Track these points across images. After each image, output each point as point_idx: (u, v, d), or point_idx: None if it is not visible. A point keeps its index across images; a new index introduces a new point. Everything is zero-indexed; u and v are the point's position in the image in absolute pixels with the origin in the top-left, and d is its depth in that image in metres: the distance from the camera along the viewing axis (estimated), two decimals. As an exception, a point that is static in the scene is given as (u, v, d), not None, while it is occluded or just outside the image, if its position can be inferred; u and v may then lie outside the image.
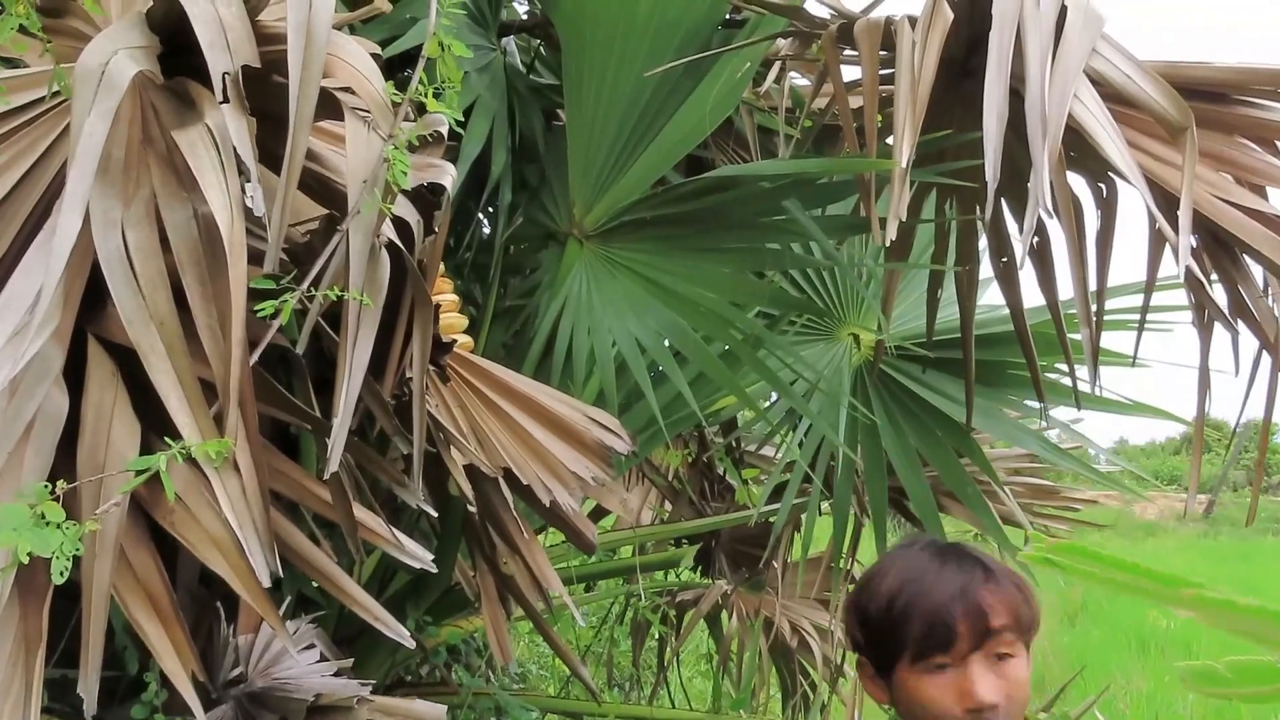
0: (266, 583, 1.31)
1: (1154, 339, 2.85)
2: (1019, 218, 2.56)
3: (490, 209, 2.91)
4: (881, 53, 2.15)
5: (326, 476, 1.50)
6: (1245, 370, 2.23)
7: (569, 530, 2.08)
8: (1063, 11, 1.89)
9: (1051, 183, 1.78)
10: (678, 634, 3.83)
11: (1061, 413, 3.16)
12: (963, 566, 1.46)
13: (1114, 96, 1.91)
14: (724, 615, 3.88)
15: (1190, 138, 1.82)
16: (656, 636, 4.03)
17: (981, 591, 1.43)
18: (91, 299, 1.50)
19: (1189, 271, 1.77)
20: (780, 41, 2.60)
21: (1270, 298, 2.02)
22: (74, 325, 1.45)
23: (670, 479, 3.56)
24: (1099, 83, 1.89)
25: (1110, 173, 2.39)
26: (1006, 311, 3.12)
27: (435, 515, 1.78)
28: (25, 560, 1.09)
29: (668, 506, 3.80)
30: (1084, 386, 2.77)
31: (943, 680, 1.42)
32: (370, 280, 1.50)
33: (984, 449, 3.20)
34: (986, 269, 2.71)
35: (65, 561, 1.12)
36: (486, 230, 3.09)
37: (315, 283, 1.42)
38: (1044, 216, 2.52)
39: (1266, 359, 2.17)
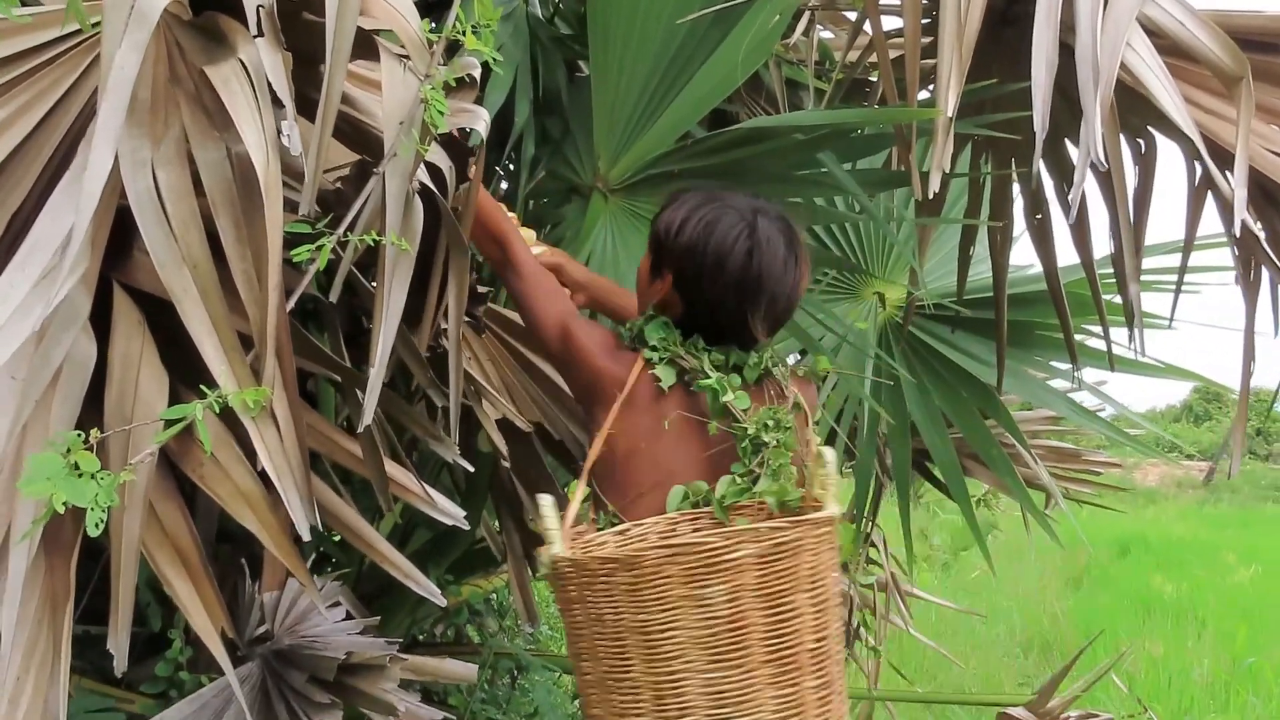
0: (307, 536, 1.27)
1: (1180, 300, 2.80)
2: (1055, 175, 2.50)
3: (510, 162, 2.85)
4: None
5: (360, 429, 1.46)
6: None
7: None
8: (1116, -44, 1.83)
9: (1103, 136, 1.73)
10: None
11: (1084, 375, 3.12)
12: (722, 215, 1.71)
13: (1166, 48, 1.84)
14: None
15: (1246, 88, 1.76)
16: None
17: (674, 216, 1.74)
18: (116, 245, 1.45)
19: (1244, 227, 1.72)
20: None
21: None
22: (99, 272, 1.41)
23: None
24: (1152, 31, 1.83)
25: (1150, 127, 2.33)
26: (1034, 270, 3.08)
27: (471, 470, 1.74)
28: (61, 510, 1.04)
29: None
30: (1113, 348, 2.73)
31: None
32: (405, 227, 1.44)
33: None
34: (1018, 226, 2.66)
35: (101, 513, 1.07)
36: (504, 185, 3.04)
37: (349, 228, 1.37)
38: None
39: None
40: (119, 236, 1.41)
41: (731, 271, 1.64)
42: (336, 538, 2.53)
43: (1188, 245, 2.32)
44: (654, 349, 1.67)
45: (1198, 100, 1.95)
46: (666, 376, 1.64)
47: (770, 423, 1.59)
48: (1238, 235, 1.76)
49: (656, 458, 1.62)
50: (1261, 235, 1.93)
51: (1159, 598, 8.70)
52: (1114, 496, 3.87)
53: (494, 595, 3.04)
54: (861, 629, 3.82)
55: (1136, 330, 2.24)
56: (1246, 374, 2.07)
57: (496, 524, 2.50)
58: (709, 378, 1.62)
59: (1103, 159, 1.68)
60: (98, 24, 1.31)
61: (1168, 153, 2.39)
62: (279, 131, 1.26)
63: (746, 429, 1.58)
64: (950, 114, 1.82)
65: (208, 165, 1.28)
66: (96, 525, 1.08)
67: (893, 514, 3.50)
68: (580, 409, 2.02)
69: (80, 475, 1.08)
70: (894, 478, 3.14)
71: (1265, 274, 2.04)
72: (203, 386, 1.19)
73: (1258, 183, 1.93)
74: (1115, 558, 10.95)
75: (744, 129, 2.33)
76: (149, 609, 1.89)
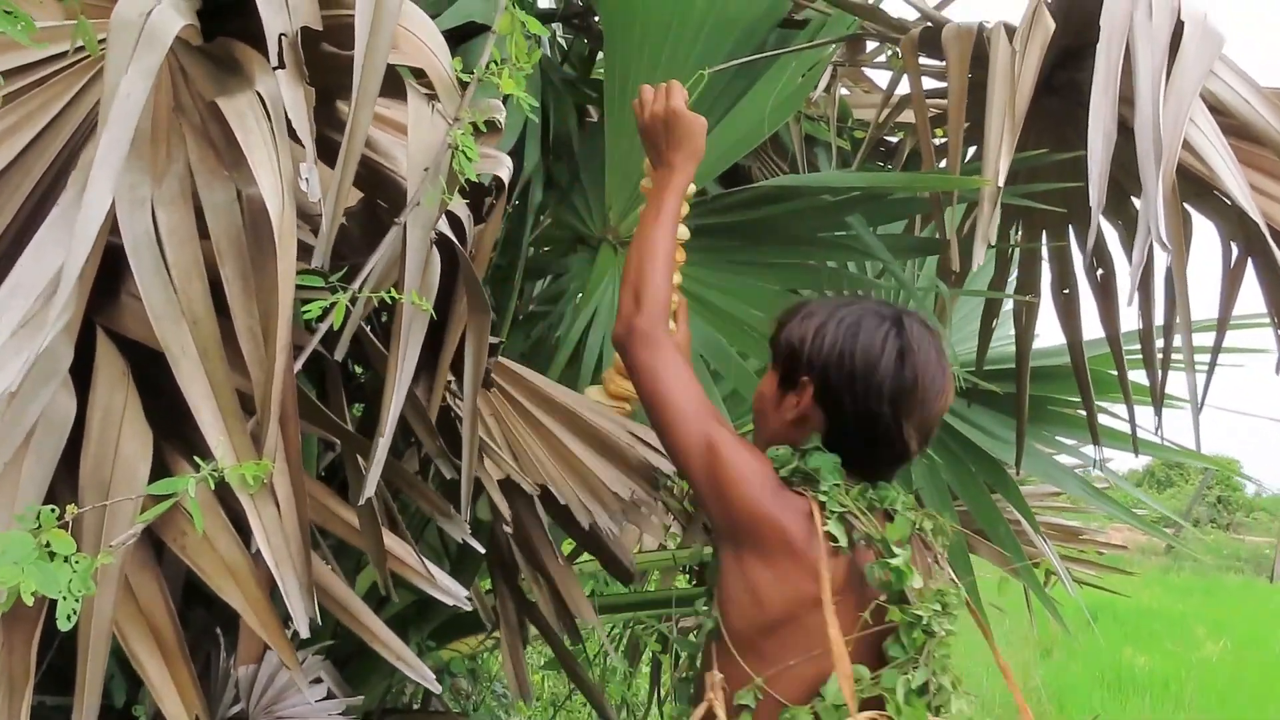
0: (305, 632, 1.13)
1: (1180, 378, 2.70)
2: (1083, 247, 2.41)
3: (513, 208, 2.74)
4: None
5: (361, 501, 1.32)
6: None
7: (605, 556, 1.90)
8: (1178, 27, 1.73)
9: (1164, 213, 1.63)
10: (675, 661, 3.65)
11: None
12: (863, 324, 1.54)
13: (1230, 128, 1.75)
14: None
15: (1314, 171, 1.67)
16: (651, 661, 3.85)
17: (795, 320, 1.60)
18: (103, 285, 1.31)
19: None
20: (830, 47, 2.44)
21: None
22: (82, 315, 1.27)
23: (684, 502, 3.37)
24: (1215, 108, 1.73)
25: (1187, 204, 2.24)
26: (1050, 345, 2.99)
27: (482, 551, 1.60)
28: (30, 601, 0.90)
29: (674, 531, 3.62)
30: (1123, 426, 2.63)
31: None
32: (423, 283, 1.32)
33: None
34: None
35: (74, 603, 0.93)
36: (501, 230, 2.92)
37: (363, 284, 1.24)
38: (1115, 246, 2.38)
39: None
40: (106, 275, 1.28)
41: (884, 375, 1.49)
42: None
43: (1223, 326, 2.23)
44: (827, 495, 1.47)
45: (1254, 181, 1.85)
46: (841, 537, 1.44)
47: (939, 607, 1.42)
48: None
49: (813, 627, 1.41)
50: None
51: (1131, 671, 8.59)
52: (1115, 579, 3.76)
53: (475, 659, 2.88)
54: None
55: (1176, 408, 2.13)
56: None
57: (487, 584, 2.36)
58: (896, 555, 1.42)
59: (1166, 241, 1.58)
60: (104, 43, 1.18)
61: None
62: (297, 174, 1.13)
63: (920, 615, 1.41)
64: (1000, 183, 1.71)
65: (214, 208, 1.15)
66: (69, 618, 0.94)
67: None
68: (590, 472, 1.89)
69: (52, 558, 0.94)
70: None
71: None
72: (197, 459, 1.06)
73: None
74: (1083, 626, 10.86)
75: (769, 186, 2.22)
76: (113, 682, 1.73)
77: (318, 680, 1.75)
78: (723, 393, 2.39)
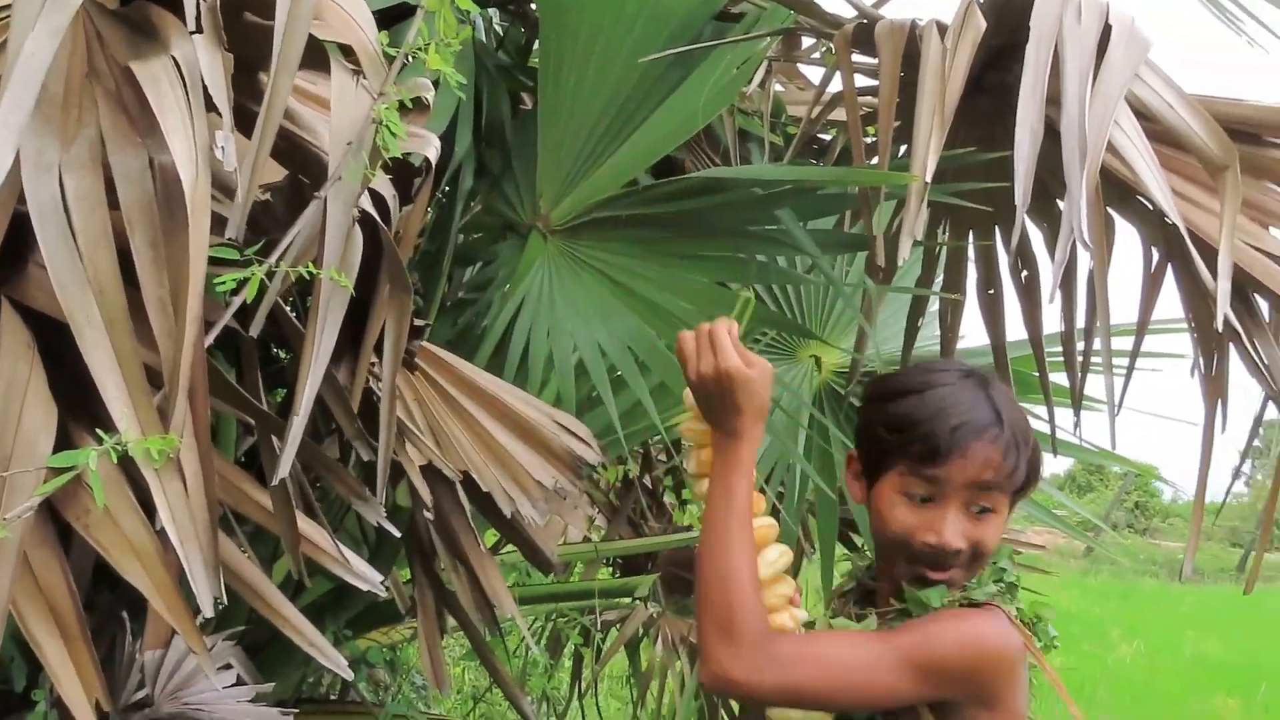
0: (209, 611, 1.10)
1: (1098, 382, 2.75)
2: (1009, 247, 2.43)
3: (443, 193, 2.70)
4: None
5: (274, 482, 1.29)
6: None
7: (526, 545, 1.89)
8: (1106, 30, 1.76)
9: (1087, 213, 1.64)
10: (597, 655, 3.64)
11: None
12: (979, 406, 1.39)
13: (1149, 132, 1.77)
14: (645, 639, 3.70)
15: (1233, 178, 1.70)
16: (573, 654, 3.83)
17: (975, 437, 1.37)
18: (9, 255, 1.27)
19: (1226, 322, 1.64)
20: (767, 41, 2.44)
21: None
22: (-15, 284, 1.23)
23: (608, 495, 3.37)
24: (1139, 112, 1.76)
25: (1110, 208, 2.27)
26: (975, 345, 3.02)
27: (397, 534, 1.57)
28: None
29: (599, 523, 3.61)
30: (1043, 427, 2.67)
31: (917, 509, 1.38)
32: (343, 260, 1.29)
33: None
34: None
35: (-36, 578, 0.89)
36: (430, 216, 2.88)
37: (281, 257, 1.21)
38: (1041, 247, 2.40)
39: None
40: (13, 244, 1.23)
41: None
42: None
43: (1141, 330, 2.26)
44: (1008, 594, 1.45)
45: (1175, 187, 1.88)
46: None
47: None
48: (1220, 329, 1.69)
49: None
50: (1239, 328, 1.87)
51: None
52: (1034, 580, 3.81)
53: (393, 650, 2.85)
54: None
55: (1094, 410, 2.17)
56: (1204, 471, 2.00)
57: (405, 573, 2.33)
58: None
59: (1088, 239, 1.60)
60: (7, 6, 1.14)
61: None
62: (213, 142, 1.10)
63: None
64: (928, 179, 1.72)
65: (126, 175, 1.11)
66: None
67: (810, 579, 3.40)
68: (513, 459, 1.87)
69: (-57, 531, 0.91)
70: (818, 545, 3.04)
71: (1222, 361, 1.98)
72: (99, 431, 1.02)
73: (1233, 276, 1.87)
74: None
75: (699, 178, 2.22)
76: (12, 665, 1.68)
77: (227, 667, 1.71)
78: (649, 385, 2.38)
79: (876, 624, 1.44)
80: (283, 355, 2.41)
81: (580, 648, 3.52)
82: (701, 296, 2.32)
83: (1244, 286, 1.94)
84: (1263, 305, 2.04)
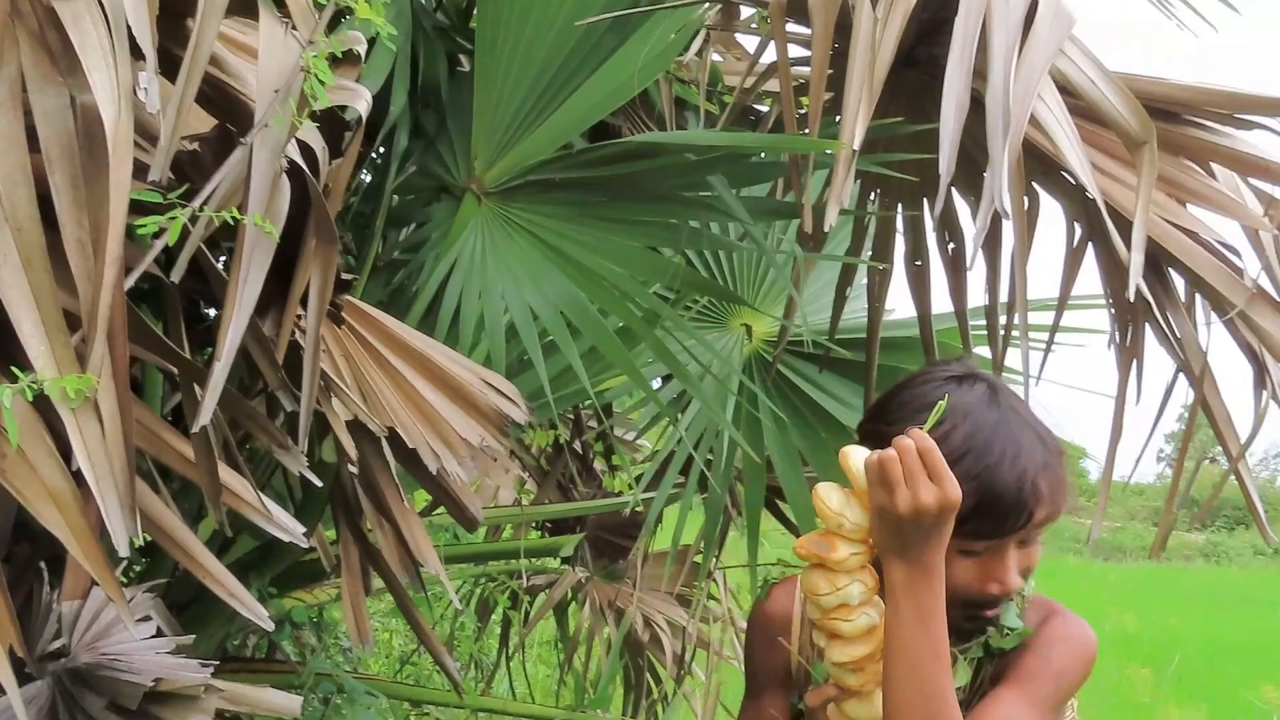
0: (125, 551, 1.10)
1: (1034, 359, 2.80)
2: (938, 223, 2.47)
3: (378, 154, 2.69)
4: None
5: (195, 430, 1.29)
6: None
7: (451, 502, 1.89)
8: (1033, 6, 1.79)
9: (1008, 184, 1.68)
10: (525, 619, 3.66)
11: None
12: (1024, 439, 1.38)
13: (1071, 107, 1.81)
14: (573, 604, 3.73)
15: (1150, 153, 1.74)
16: (501, 619, 3.85)
17: (1040, 480, 1.36)
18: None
19: (1138, 293, 1.69)
20: (705, 8, 2.45)
21: (1202, 327, 1.97)
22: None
23: (539, 459, 3.38)
24: (1063, 87, 1.80)
25: (1035, 183, 2.32)
26: (902, 316, 3.07)
27: (319, 484, 1.57)
28: None
29: (530, 487, 3.63)
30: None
31: (976, 562, 1.39)
32: (269, 207, 1.29)
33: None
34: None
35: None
36: (368, 178, 2.86)
37: (206, 202, 1.20)
38: (973, 220, 2.45)
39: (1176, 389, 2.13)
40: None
41: None
42: (146, 538, 2.31)
43: (1062, 304, 2.31)
44: None
45: (1095, 161, 1.93)
46: None
47: None
48: (1132, 299, 1.73)
49: None
50: (1151, 300, 1.92)
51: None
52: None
53: (318, 610, 2.85)
54: (694, 664, 3.75)
55: (1016, 384, 2.21)
56: (1115, 441, 2.06)
57: (332, 533, 2.33)
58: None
59: (1007, 209, 1.63)
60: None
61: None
62: (136, 84, 1.09)
63: None
64: (855, 147, 1.75)
65: (46, 114, 1.10)
66: None
67: (737, 549, 3.44)
68: (439, 417, 1.87)
69: None
70: (745, 513, 3.08)
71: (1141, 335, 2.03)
72: (15, 369, 1.02)
73: (1147, 250, 1.91)
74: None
75: (634, 143, 2.23)
76: (-74, 612, 1.65)
77: (146, 619, 1.71)
78: (580, 350, 2.39)
79: (957, 661, 1.46)
80: (212, 315, 2.39)
81: (508, 611, 3.54)
82: (634, 261, 2.34)
83: (1159, 260, 1.99)
84: (1179, 281, 2.10)
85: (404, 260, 2.62)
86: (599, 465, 3.46)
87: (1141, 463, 2.17)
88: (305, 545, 1.53)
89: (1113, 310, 2.14)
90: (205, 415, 1.23)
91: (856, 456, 1.31)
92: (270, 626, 1.56)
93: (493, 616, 4.04)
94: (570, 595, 3.61)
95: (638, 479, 3.28)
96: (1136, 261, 1.69)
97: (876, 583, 1.35)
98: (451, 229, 2.43)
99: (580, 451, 3.41)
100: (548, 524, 3.39)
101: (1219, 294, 1.88)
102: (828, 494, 1.34)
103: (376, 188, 2.60)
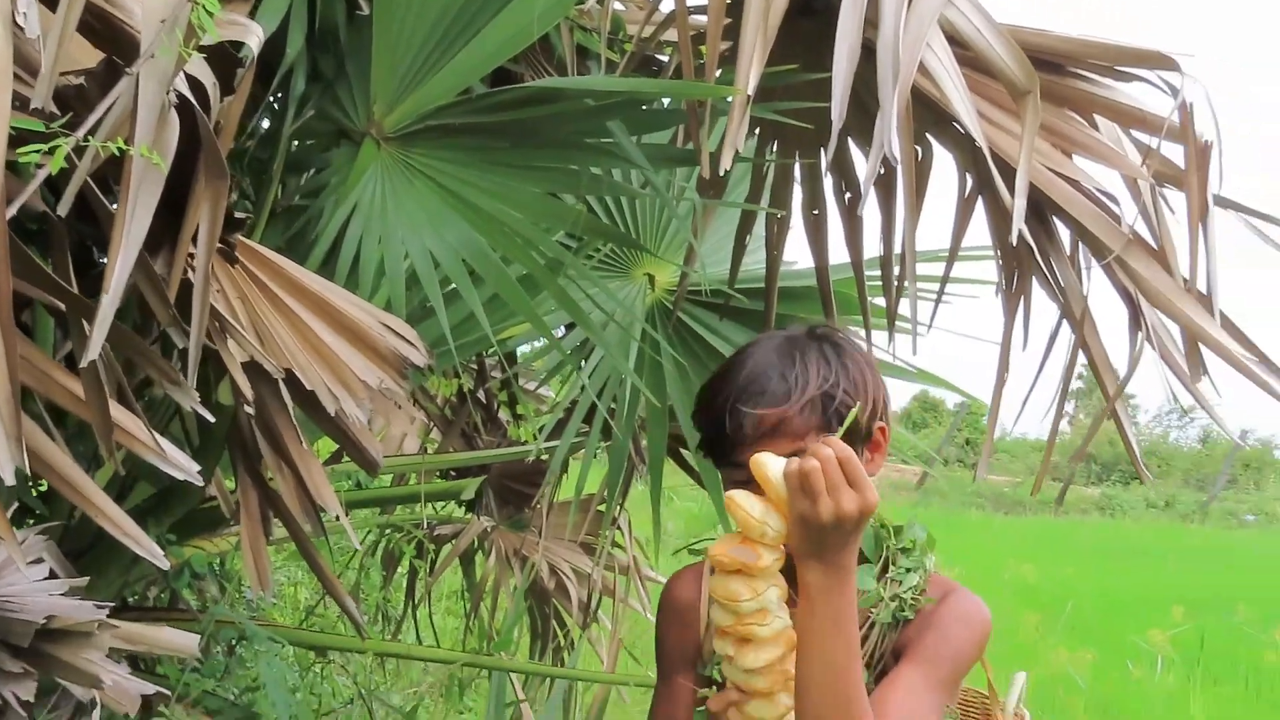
0: (10, 479, 1.09)
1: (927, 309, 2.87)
2: (835, 173, 2.52)
3: (275, 99, 2.65)
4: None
5: (84, 365, 1.28)
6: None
7: (351, 445, 1.90)
8: (922, -45, 1.83)
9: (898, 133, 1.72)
10: (431, 569, 3.68)
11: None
12: (745, 369, 1.51)
13: (959, 58, 1.86)
14: (479, 554, 3.75)
15: (1033, 102, 1.80)
16: (407, 570, 3.86)
17: (735, 405, 1.47)
18: None
19: (1020, 237, 1.75)
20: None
21: (1083, 273, 2.05)
22: None
23: (442, 408, 3.39)
24: (951, 37, 1.84)
25: (928, 134, 2.37)
26: (802, 267, 3.12)
27: (211, 419, 1.57)
28: None
29: (434, 436, 3.63)
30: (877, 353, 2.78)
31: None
32: (158, 140, 1.28)
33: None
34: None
35: None
36: (266, 124, 2.82)
37: (91, 133, 1.19)
38: (863, 173, 2.49)
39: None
40: None
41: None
42: (43, 486, 2.28)
43: (953, 254, 2.38)
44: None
45: (983, 111, 1.98)
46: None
47: None
48: (1014, 244, 1.80)
49: None
50: (1035, 247, 1.99)
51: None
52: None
53: (219, 559, 2.83)
54: (599, 611, 3.80)
55: (908, 333, 2.28)
56: (1000, 384, 2.13)
57: (231, 482, 2.32)
58: None
59: (896, 155, 1.68)
60: None
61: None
62: (14, 9, 1.07)
63: None
64: (750, 92, 1.78)
65: (-80, 37, 1.08)
66: None
67: (640, 498, 3.49)
68: (337, 359, 1.88)
69: None
70: (648, 461, 3.12)
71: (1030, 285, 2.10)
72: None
73: (1031, 198, 1.98)
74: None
75: (533, 88, 2.23)
76: None
77: (38, 561, 1.69)
78: (482, 298, 2.40)
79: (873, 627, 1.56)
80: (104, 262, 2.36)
81: (414, 561, 3.56)
82: (535, 207, 2.35)
83: (1043, 208, 2.06)
84: (1063, 230, 2.17)
85: (303, 206, 2.60)
86: (504, 415, 3.47)
87: (1040, 420, 2.26)
88: (200, 484, 1.54)
89: (999, 258, 2.21)
90: (94, 349, 1.23)
91: (774, 466, 1.35)
92: (166, 566, 1.56)
93: (399, 570, 4.04)
94: (476, 545, 3.63)
95: (541, 429, 3.30)
96: (1019, 206, 1.75)
97: (786, 589, 1.40)
98: (351, 174, 2.41)
99: (484, 400, 3.42)
100: (452, 472, 3.40)
101: (1098, 240, 1.95)
102: (749, 503, 1.36)
103: (274, 133, 2.56)
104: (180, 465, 1.50)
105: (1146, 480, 2.10)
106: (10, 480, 1.10)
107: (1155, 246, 2.00)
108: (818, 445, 1.32)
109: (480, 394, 3.38)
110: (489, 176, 2.33)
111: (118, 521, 1.55)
